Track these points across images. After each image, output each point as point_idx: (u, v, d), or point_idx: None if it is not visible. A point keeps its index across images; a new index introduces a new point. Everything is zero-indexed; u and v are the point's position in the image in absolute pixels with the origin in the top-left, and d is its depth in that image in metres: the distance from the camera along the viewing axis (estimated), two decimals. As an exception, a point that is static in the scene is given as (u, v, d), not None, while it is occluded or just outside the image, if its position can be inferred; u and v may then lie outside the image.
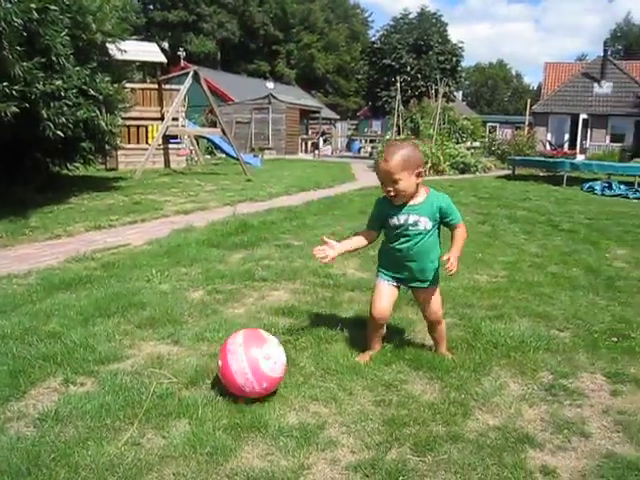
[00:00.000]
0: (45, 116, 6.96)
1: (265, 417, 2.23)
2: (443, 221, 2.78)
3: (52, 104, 7.04)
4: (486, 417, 2.33)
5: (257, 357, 2.34)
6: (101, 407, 2.28)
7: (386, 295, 2.82)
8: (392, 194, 2.67)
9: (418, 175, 2.66)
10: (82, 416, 2.22)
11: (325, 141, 31.55)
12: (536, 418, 2.34)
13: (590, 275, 4.63)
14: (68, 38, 7.14)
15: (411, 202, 2.72)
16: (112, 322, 3.27)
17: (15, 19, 5.86)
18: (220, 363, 2.40)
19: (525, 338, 3.09)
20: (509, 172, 16.44)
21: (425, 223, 2.72)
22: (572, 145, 29.41)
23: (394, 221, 2.74)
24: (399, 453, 2.05)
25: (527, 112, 26.16)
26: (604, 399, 2.53)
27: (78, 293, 3.78)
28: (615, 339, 3.18)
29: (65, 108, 7.27)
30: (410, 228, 2.72)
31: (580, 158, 23.88)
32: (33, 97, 6.55)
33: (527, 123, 26.32)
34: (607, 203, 10.29)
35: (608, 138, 30.01)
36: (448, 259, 2.62)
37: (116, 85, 9.01)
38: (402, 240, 2.76)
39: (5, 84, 6.04)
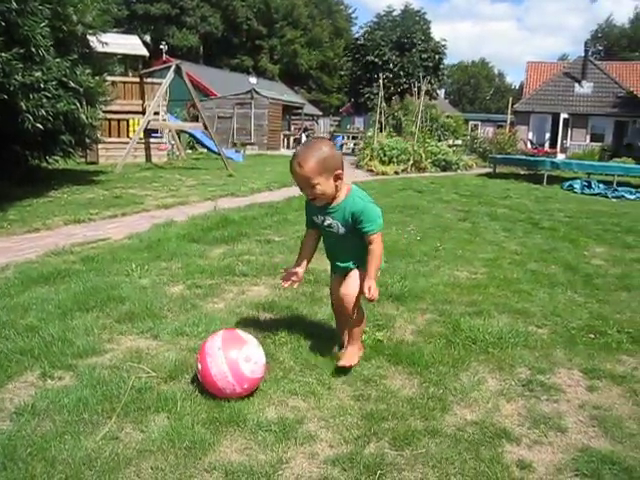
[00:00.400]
0: (24, 108, 6.87)
1: (244, 412, 2.23)
2: (355, 228, 2.57)
3: (31, 96, 6.95)
4: (464, 412, 2.35)
5: (237, 359, 2.32)
6: (79, 401, 2.26)
7: (333, 285, 2.85)
8: (310, 197, 2.57)
9: (337, 178, 2.50)
10: (59, 410, 2.20)
11: (307, 137, 31.51)
12: (513, 413, 2.37)
13: (569, 272, 4.68)
14: (48, 29, 7.06)
15: (332, 203, 2.60)
16: (91, 316, 3.24)
17: (-7, 9, 5.77)
18: (200, 367, 2.37)
19: (504, 334, 3.12)
20: (490, 170, 16.56)
21: (338, 227, 2.61)
22: (553, 144, 29.74)
23: (317, 220, 2.68)
24: (377, 447, 2.06)
25: (509, 111, 26.36)
26: (580, 394, 2.57)
27: (57, 287, 3.74)
28: (592, 336, 3.23)
29: (45, 100, 7.19)
30: (327, 229, 2.67)
31: (561, 157, 24.18)
32: (12, 88, 6.46)
33: (509, 122, 26.52)
34: (586, 202, 10.43)
35: (588, 137, 30.39)
36: (369, 289, 2.48)
37: (97, 78, 8.93)
38: (326, 237, 2.75)
39: (-18, 75, 5.95)
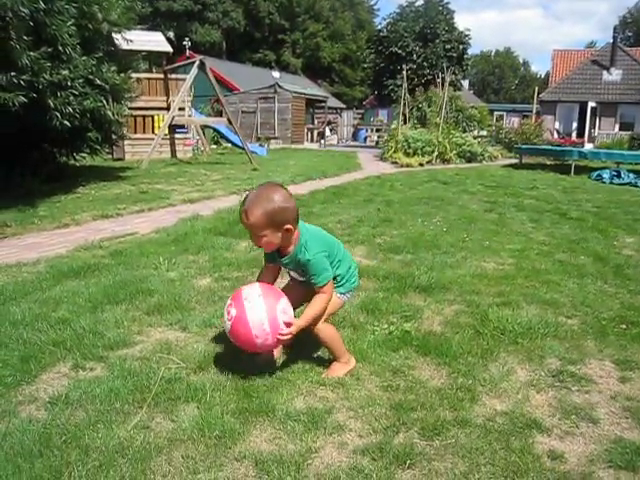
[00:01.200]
0: (52, 106, 6.97)
1: (273, 402, 2.24)
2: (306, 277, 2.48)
3: (59, 94, 7.05)
4: (493, 402, 2.33)
5: (276, 309, 2.33)
6: (110, 391, 2.30)
7: None
8: (258, 245, 2.40)
9: (287, 231, 2.33)
10: (92, 400, 2.24)
11: (331, 130, 31.49)
12: (544, 404, 2.34)
13: (598, 263, 4.61)
14: (74, 28, 7.14)
15: (283, 254, 2.46)
16: (120, 309, 3.29)
17: (22, 9, 5.86)
18: (233, 313, 2.32)
19: (532, 325, 3.08)
20: (516, 161, 16.36)
21: (297, 275, 2.56)
22: (580, 134, 29.22)
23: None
24: (406, 437, 2.06)
25: (535, 100, 25.96)
26: (612, 385, 2.53)
27: (87, 281, 3.80)
28: (624, 326, 3.17)
29: (72, 98, 7.28)
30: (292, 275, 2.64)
31: (588, 147, 23.76)
32: (40, 87, 6.55)
33: (535, 111, 26.14)
34: (615, 192, 10.23)
35: (617, 126, 29.77)
36: (288, 332, 2.36)
37: (122, 75, 9.02)
38: None
39: (13, 74, 6.04)
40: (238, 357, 2.61)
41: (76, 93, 7.40)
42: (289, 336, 2.38)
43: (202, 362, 2.58)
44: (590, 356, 2.80)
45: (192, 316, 3.17)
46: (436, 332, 3.01)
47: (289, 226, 2.32)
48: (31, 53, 6.22)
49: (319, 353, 2.71)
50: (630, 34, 57.80)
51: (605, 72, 30.25)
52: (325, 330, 2.53)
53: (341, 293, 2.60)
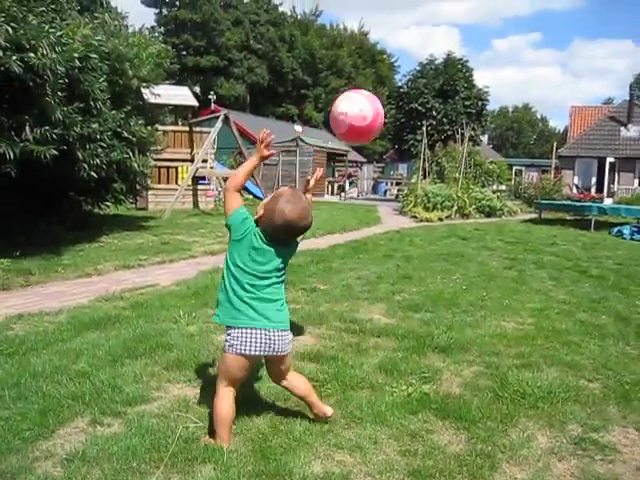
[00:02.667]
0: (81, 157, 7.19)
1: (290, 465, 2.22)
2: None
3: (88, 146, 7.28)
4: (514, 470, 2.29)
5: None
6: (127, 449, 2.30)
7: None
8: None
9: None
10: (109, 458, 2.24)
11: (351, 184, 31.79)
12: (566, 473, 2.29)
13: (620, 323, 4.55)
14: (106, 84, 7.43)
15: None
16: (140, 363, 3.31)
17: (59, 67, 6.12)
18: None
19: (553, 388, 3.04)
20: (535, 216, 16.33)
21: None
22: (599, 189, 29.18)
23: None
24: (425, 506, 2.02)
25: (553, 155, 26.08)
26: (637, 455, 2.47)
27: (107, 333, 3.85)
28: (647, 391, 3.11)
29: (100, 150, 7.51)
30: None
31: (608, 202, 23.66)
32: (71, 139, 6.78)
33: (554, 166, 26.22)
34: (636, 248, 10.12)
35: (636, 181, 29.70)
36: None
37: (149, 128, 9.30)
38: None
39: (46, 128, 6.27)
40: (256, 417, 2.61)
41: (104, 145, 7.64)
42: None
43: (219, 421, 2.57)
44: (613, 422, 2.75)
45: (211, 373, 3.18)
46: (455, 395, 2.98)
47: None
48: (64, 108, 6.46)
49: (337, 416, 2.68)
50: (647, 91, 58.27)
51: (623, 128, 30.41)
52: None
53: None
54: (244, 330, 2.37)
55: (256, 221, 2.45)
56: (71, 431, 2.51)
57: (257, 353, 2.38)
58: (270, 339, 2.37)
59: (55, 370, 3.10)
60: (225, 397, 2.41)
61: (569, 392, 3.02)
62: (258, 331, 2.36)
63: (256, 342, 2.36)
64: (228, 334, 2.42)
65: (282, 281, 2.51)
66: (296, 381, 2.60)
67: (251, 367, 2.48)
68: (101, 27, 8.00)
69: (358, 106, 3.33)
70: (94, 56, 6.97)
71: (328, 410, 2.59)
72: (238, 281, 2.40)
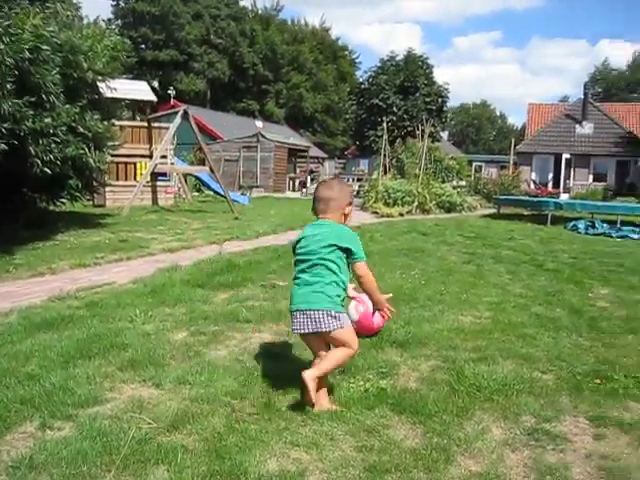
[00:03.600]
0: (33, 153, 6.98)
1: (245, 464, 2.19)
2: None
3: (41, 141, 7.07)
4: (468, 463, 2.31)
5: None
6: (78, 453, 2.23)
7: None
8: None
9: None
10: (57, 463, 2.18)
11: (313, 179, 31.80)
12: (519, 464, 2.33)
13: (574, 315, 4.65)
14: (59, 76, 7.22)
15: None
16: (93, 364, 3.23)
17: (7, 59, 5.92)
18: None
19: (508, 381, 3.08)
20: (494, 211, 16.62)
21: None
22: (556, 184, 29.90)
23: None
24: (380, 501, 2.02)
25: (512, 152, 26.61)
26: (587, 443, 2.52)
27: (60, 333, 3.74)
28: (598, 381, 3.18)
29: (54, 145, 7.31)
30: None
31: (564, 197, 24.27)
32: (22, 134, 6.58)
33: (512, 162, 26.75)
34: (590, 242, 10.40)
35: (591, 177, 30.56)
36: None
37: (105, 123, 9.10)
38: None
39: (-6, 122, 6.08)
40: (212, 416, 2.57)
41: (58, 141, 7.43)
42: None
43: (174, 421, 2.53)
44: (565, 413, 2.80)
45: (166, 372, 3.12)
46: (412, 389, 2.99)
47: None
48: (14, 101, 6.26)
49: (293, 413, 2.67)
50: (600, 90, 59.92)
51: (578, 125, 31.24)
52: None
53: None
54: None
55: None
56: (18, 436, 2.43)
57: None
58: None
59: (3, 373, 3.00)
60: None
61: (523, 384, 3.07)
62: None
63: None
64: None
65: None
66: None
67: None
68: (53, 17, 7.77)
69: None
70: (46, 47, 6.77)
71: (319, 404, 2.71)
72: None
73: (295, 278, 2.84)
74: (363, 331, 3.54)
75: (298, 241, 2.90)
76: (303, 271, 2.80)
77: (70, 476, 2.10)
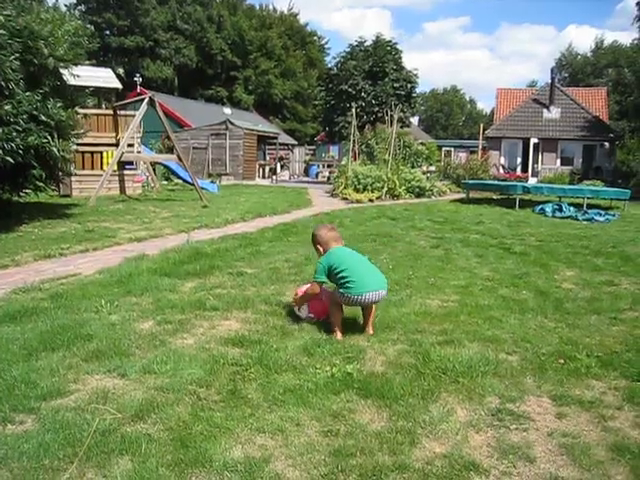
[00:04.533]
0: (-6, 142, 6.82)
1: (210, 451, 2.19)
2: None
3: (1, 130, 6.90)
4: (433, 445, 2.34)
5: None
6: (39, 447, 2.20)
7: None
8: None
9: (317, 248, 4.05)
10: (18, 457, 2.14)
11: (283, 166, 31.69)
12: (482, 444, 2.36)
13: (539, 297, 4.73)
14: (18, 63, 7.04)
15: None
16: (57, 356, 3.17)
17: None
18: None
19: (474, 363, 3.12)
20: (464, 196, 16.78)
21: None
22: (524, 168, 30.28)
23: None
24: (345, 485, 2.04)
25: (480, 136, 26.85)
26: (549, 422, 2.57)
27: (23, 326, 3.67)
28: (562, 361, 3.25)
29: (15, 134, 7.13)
30: None
31: (532, 181, 24.60)
32: (-20, 123, 6.41)
33: (481, 147, 27.00)
34: (557, 225, 10.59)
35: (559, 161, 31.00)
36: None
37: (69, 111, 8.89)
38: None
39: (-51, 110, 5.90)
40: (177, 405, 2.56)
41: (19, 129, 7.26)
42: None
43: (139, 411, 2.51)
44: (529, 393, 2.85)
45: (131, 362, 3.09)
46: (378, 373, 3.01)
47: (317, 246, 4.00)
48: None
49: (259, 400, 2.66)
50: (566, 75, 60.66)
51: (545, 110, 31.62)
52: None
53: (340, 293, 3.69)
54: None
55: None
56: (-22, 431, 2.38)
57: None
58: None
59: (-37, 367, 2.94)
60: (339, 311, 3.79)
61: (489, 366, 3.12)
62: None
63: None
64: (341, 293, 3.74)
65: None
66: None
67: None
68: (9, 1, 7.54)
69: None
70: (3, 32, 6.60)
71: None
72: None
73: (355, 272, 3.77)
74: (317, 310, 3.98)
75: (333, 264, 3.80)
76: None
77: (31, 470, 2.06)
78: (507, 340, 3.62)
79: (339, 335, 3.60)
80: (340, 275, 3.67)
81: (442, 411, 2.61)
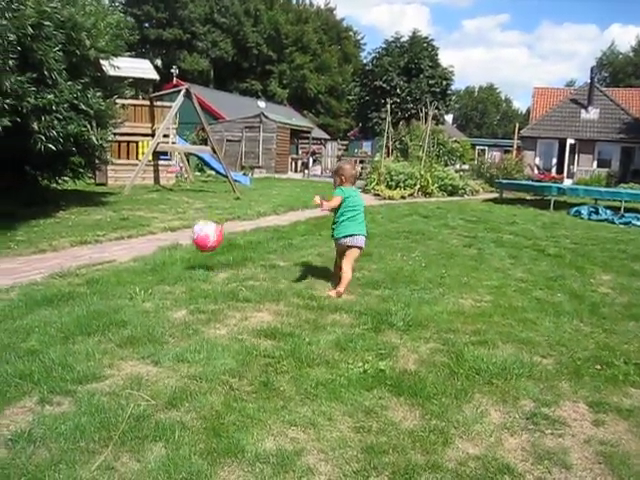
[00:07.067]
0: (36, 129, 6.96)
1: (242, 442, 2.20)
2: None
3: (43, 118, 7.04)
4: (466, 446, 2.31)
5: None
6: (76, 428, 2.24)
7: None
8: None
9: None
10: (56, 437, 2.18)
11: (315, 161, 31.65)
12: (517, 447, 2.33)
13: (575, 301, 4.64)
14: (61, 53, 7.16)
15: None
16: (92, 340, 3.23)
17: (9, 34, 5.86)
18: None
19: (508, 365, 3.08)
20: (497, 195, 16.55)
21: None
22: (560, 169, 29.72)
23: None
24: (377, 482, 2.02)
25: (515, 136, 26.43)
26: (586, 429, 2.52)
27: (60, 310, 3.74)
28: (598, 367, 3.18)
29: (56, 122, 7.27)
30: None
31: (567, 183, 24.14)
32: (24, 111, 6.54)
33: (515, 147, 26.58)
34: (593, 228, 10.36)
35: (595, 163, 30.36)
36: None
37: (108, 101, 9.03)
38: None
39: (-3, 98, 6.03)
40: (210, 394, 2.57)
41: (60, 117, 7.39)
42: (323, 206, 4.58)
43: (172, 399, 2.54)
44: (564, 398, 2.80)
45: (165, 350, 3.12)
46: (411, 371, 2.99)
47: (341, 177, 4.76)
48: (17, 77, 6.21)
49: (292, 392, 2.67)
50: (606, 75, 59.32)
51: (583, 110, 30.96)
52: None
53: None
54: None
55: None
56: (18, 411, 2.43)
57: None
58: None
59: (3, 348, 3.01)
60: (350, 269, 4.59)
61: (523, 368, 3.07)
62: None
63: None
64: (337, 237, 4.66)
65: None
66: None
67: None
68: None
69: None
70: (48, 24, 6.71)
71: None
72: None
73: (351, 218, 4.61)
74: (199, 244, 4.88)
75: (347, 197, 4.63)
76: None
77: (68, 450, 2.10)
78: (542, 343, 3.56)
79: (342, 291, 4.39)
80: (344, 212, 4.59)
81: (476, 412, 2.57)
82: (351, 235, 4.55)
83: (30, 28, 6.31)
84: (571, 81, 65.34)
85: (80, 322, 3.47)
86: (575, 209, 12.90)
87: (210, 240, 4.84)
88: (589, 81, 31.81)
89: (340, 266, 4.60)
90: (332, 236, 4.73)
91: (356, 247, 4.59)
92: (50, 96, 7.05)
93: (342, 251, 4.63)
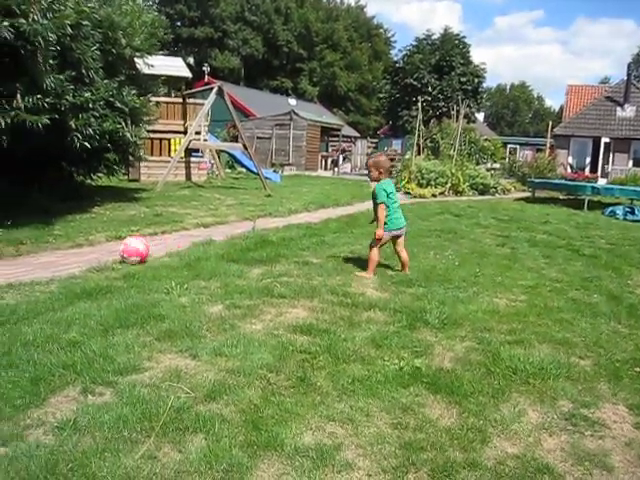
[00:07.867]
0: (73, 127, 7.10)
1: (281, 436, 2.22)
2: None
3: (80, 115, 7.18)
4: (505, 445, 2.30)
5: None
6: (119, 418, 2.29)
7: None
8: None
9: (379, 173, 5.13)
10: (100, 426, 2.23)
11: (345, 158, 31.67)
12: (556, 448, 2.31)
13: (612, 302, 4.56)
14: (98, 52, 7.30)
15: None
16: (131, 333, 3.29)
17: (50, 34, 5.98)
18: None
19: (545, 365, 3.05)
20: (529, 194, 16.33)
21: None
22: (594, 169, 29.17)
23: None
24: (416, 478, 2.03)
25: (548, 134, 26.03)
26: (627, 431, 2.48)
27: (99, 303, 3.82)
28: (638, 369, 3.13)
29: (92, 119, 7.42)
30: None
31: (602, 182, 23.67)
32: (63, 108, 6.67)
33: (548, 145, 26.18)
34: (630, 228, 10.16)
35: (631, 162, 29.70)
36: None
37: (142, 98, 9.17)
38: None
39: (38, 96, 6.16)
40: (248, 388, 2.61)
41: (97, 115, 7.54)
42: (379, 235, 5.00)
43: (211, 392, 2.57)
44: (604, 400, 2.76)
45: (202, 344, 3.17)
46: (447, 369, 2.98)
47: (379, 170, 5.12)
48: (56, 76, 6.35)
49: (329, 388, 2.68)
50: (645, 71, 57.98)
51: (619, 108, 30.30)
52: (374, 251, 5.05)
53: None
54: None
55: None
56: (62, 399, 2.50)
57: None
58: None
59: (46, 339, 3.08)
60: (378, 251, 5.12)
61: (560, 369, 3.03)
62: None
63: None
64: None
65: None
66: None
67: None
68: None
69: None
70: (86, 23, 6.84)
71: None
72: None
73: (396, 209, 5.15)
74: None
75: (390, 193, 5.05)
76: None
77: (112, 439, 2.15)
78: (579, 344, 3.51)
79: (371, 274, 4.98)
80: (391, 205, 5.05)
81: (513, 411, 2.56)
82: (403, 226, 5.24)
83: (69, 28, 6.43)
84: (606, 78, 63.96)
85: (119, 315, 3.53)
86: (610, 209, 12.67)
87: (141, 250, 5.25)
88: (625, 78, 31.09)
89: (399, 250, 5.25)
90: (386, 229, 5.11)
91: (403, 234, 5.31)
92: (87, 94, 7.19)
93: (396, 237, 5.22)
